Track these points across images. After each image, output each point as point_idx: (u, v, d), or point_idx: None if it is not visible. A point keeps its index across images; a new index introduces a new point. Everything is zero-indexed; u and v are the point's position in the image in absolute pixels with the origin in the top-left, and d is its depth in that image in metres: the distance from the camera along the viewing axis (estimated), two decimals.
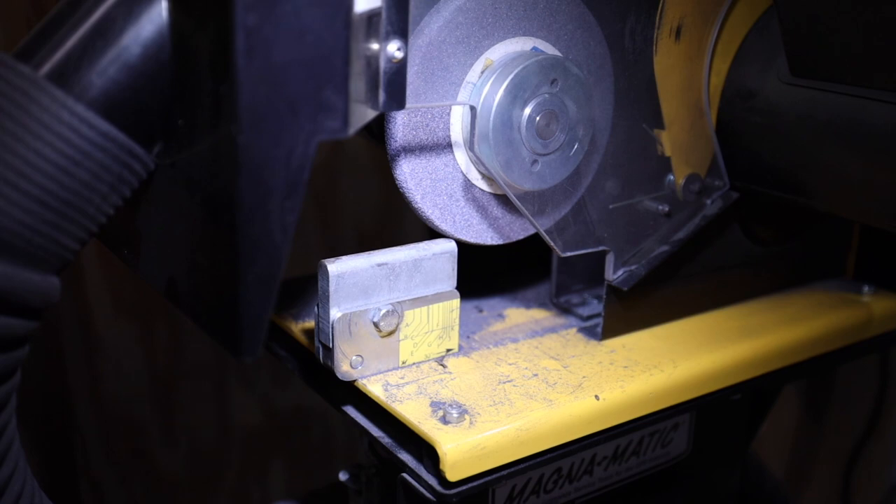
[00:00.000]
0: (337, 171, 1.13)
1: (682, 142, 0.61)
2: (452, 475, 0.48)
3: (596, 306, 0.64)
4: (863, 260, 0.74)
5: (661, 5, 0.57)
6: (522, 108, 0.51)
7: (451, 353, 0.57)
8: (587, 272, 0.67)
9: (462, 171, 0.54)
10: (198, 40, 0.40)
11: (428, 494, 0.49)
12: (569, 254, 0.58)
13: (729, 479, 0.74)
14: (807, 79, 0.58)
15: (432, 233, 0.56)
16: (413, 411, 0.50)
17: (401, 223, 1.18)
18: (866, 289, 0.70)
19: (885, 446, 1.06)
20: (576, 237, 0.58)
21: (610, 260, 0.59)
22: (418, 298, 0.53)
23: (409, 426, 0.50)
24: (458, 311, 0.56)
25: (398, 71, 0.44)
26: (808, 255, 0.72)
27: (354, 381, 0.53)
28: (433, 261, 0.54)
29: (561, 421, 0.52)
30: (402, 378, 0.54)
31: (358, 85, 0.42)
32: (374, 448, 0.62)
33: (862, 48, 0.55)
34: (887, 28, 0.53)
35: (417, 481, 0.50)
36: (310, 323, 0.60)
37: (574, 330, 0.62)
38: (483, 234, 0.56)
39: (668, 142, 0.60)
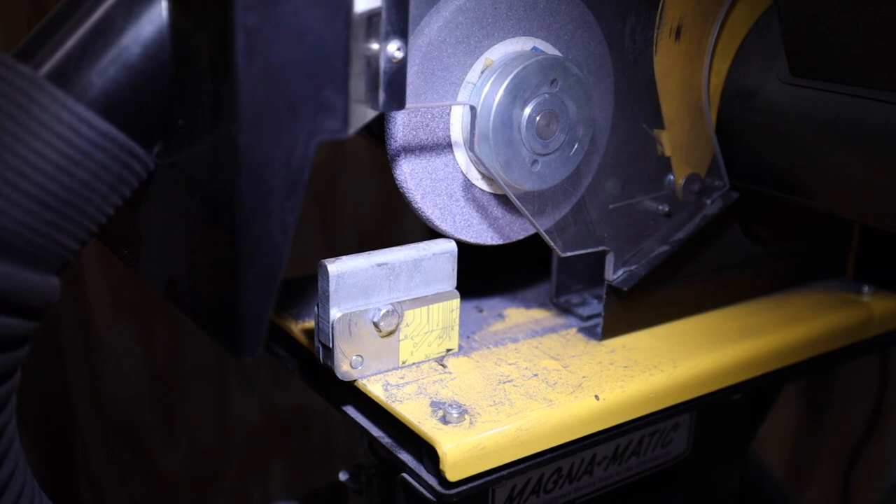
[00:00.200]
0: (337, 171, 1.13)
1: (682, 142, 0.61)
2: (452, 475, 0.48)
3: (596, 306, 0.64)
4: (863, 260, 0.74)
5: (661, 5, 0.57)
6: (522, 108, 0.51)
7: (451, 353, 0.57)
8: (587, 272, 0.67)
9: (462, 171, 0.54)
10: (198, 40, 0.40)
11: (428, 494, 0.49)
12: (569, 254, 0.58)
13: (729, 479, 0.74)
14: (807, 79, 0.58)
15: (432, 233, 0.56)
16: (413, 411, 0.50)
17: (401, 223, 1.18)
18: (866, 289, 0.70)
19: (885, 446, 1.06)
20: (576, 237, 0.58)
21: (610, 260, 0.59)
22: (418, 298, 0.54)
23: (409, 426, 0.50)
24: (458, 311, 0.56)
25: (398, 71, 0.44)
26: (808, 255, 0.72)
27: (354, 381, 0.53)
28: (433, 261, 0.54)
29: (561, 421, 0.52)
30: (402, 378, 0.54)
31: (358, 85, 0.42)
32: (374, 448, 0.62)
33: (862, 48, 0.55)
34: (887, 28, 0.53)
35: (417, 481, 0.50)
36: (310, 323, 0.60)
37: (574, 330, 0.62)
38: (483, 234, 0.56)
39: (668, 142, 0.60)
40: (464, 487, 0.49)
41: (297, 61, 0.38)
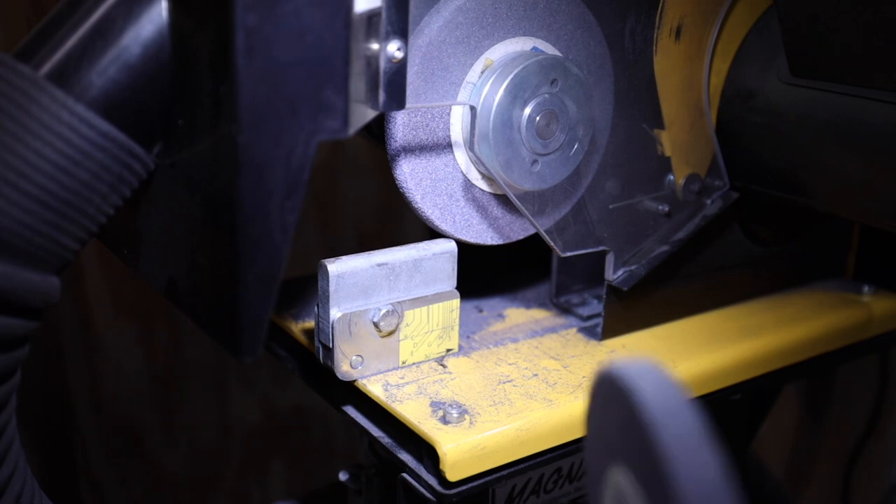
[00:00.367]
0: (337, 171, 1.13)
1: (682, 142, 0.61)
2: (452, 475, 0.48)
3: (596, 306, 0.64)
4: (863, 260, 0.74)
5: (661, 5, 0.57)
6: (522, 108, 0.51)
7: (451, 353, 0.57)
8: (587, 272, 0.67)
9: (462, 171, 0.54)
10: (198, 40, 0.40)
11: (428, 494, 0.49)
12: (569, 254, 0.58)
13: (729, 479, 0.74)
14: (807, 79, 0.58)
15: (432, 233, 0.56)
16: (413, 411, 0.50)
17: (401, 223, 1.18)
18: (866, 289, 0.70)
19: (885, 446, 1.06)
20: (576, 237, 0.58)
21: (610, 260, 0.59)
22: (418, 298, 0.53)
23: (409, 426, 0.50)
24: (458, 311, 0.56)
25: (398, 71, 0.44)
26: (808, 255, 0.72)
27: (354, 381, 0.53)
28: (433, 261, 0.54)
29: (561, 421, 0.52)
30: (402, 378, 0.54)
31: (358, 85, 0.42)
32: (374, 448, 0.62)
33: (862, 48, 0.55)
34: (887, 28, 0.53)
35: (417, 481, 0.50)
36: (310, 323, 0.60)
37: (574, 330, 0.62)
38: (483, 234, 0.56)
39: (668, 142, 0.60)
40: (464, 487, 0.49)
41: (297, 61, 0.38)
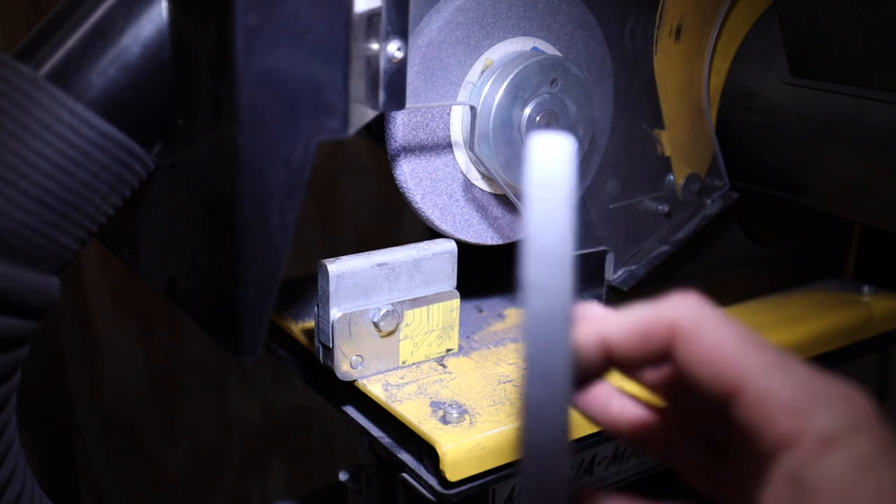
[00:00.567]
0: (337, 171, 1.13)
1: (682, 142, 0.61)
2: (452, 475, 0.48)
3: None
4: (863, 260, 0.74)
5: (661, 5, 0.57)
6: (522, 108, 0.51)
7: (451, 353, 0.56)
8: (587, 272, 0.67)
9: (462, 171, 0.54)
10: (198, 40, 0.40)
11: (428, 494, 0.49)
12: None
13: None
14: (807, 79, 0.58)
15: (432, 233, 0.56)
16: (413, 411, 0.50)
17: (401, 223, 1.18)
18: (866, 289, 0.70)
19: None
20: (576, 237, 0.58)
21: (610, 260, 0.59)
22: (418, 298, 0.53)
23: (409, 426, 0.50)
24: (458, 311, 0.56)
25: (398, 71, 0.44)
26: (808, 255, 0.72)
27: (354, 381, 0.53)
28: (433, 261, 0.54)
29: None
30: (402, 378, 0.54)
31: (358, 85, 0.42)
32: (374, 448, 0.62)
33: (862, 48, 0.55)
34: (887, 28, 0.53)
35: (417, 481, 0.50)
36: (310, 323, 0.60)
37: None
38: (483, 234, 0.56)
39: (668, 142, 0.60)
40: (464, 487, 0.49)
41: (297, 61, 0.38)
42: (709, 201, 0.62)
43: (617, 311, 0.35)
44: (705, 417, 0.34)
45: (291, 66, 0.38)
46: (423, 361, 0.55)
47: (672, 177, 0.61)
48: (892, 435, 0.30)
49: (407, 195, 0.53)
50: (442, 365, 0.56)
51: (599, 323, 0.34)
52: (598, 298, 0.65)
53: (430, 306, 0.54)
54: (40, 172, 0.38)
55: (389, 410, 0.51)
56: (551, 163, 0.34)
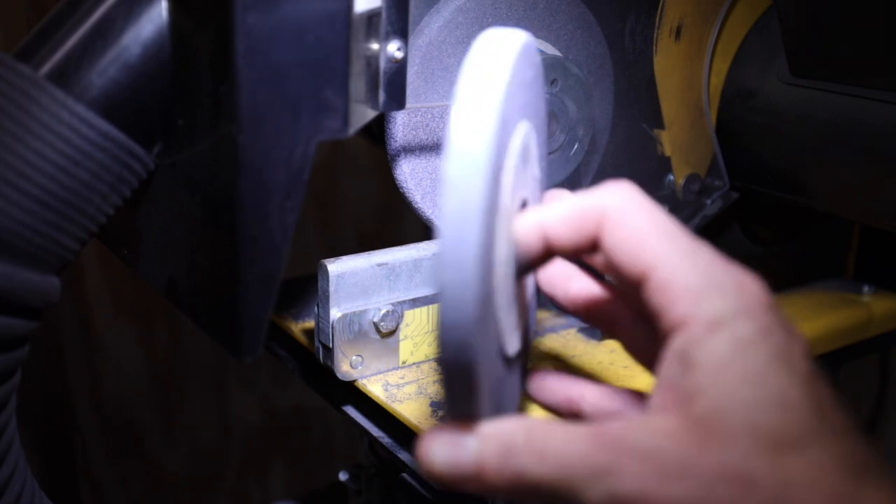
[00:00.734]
0: (337, 171, 1.13)
1: (682, 142, 0.61)
2: None
3: None
4: (863, 260, 0.74)
5: (661, 5, 0.57)
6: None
7: None
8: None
9: None
10: (198, 40, 0.40)
11: (428, 494, 0.49)
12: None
13: None
14: (807, 79, 0.58)
15: (432, 233, 0.56)
16: (413, 411, 0.50)
17: (401, 223, 1.18)
18: (866, 289, 0.70)
19: (885, 446, 1.06)
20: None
21: None
22: (418, 298, 0.53)
23: (409, 426, 0.50)
24: None
25: (398, 71, 0.44)
26: (808, 255, 0.72)
27: (354, 381, 0.53)
28: (433, 261, 0.54)
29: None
30: (402, 378, 0.54)
31: (358, 85, 0.42)
32: (374, 448, 0.62)
33: (862, 48, 0.55)
34: (887, 28, 0.53)
35: (417, 481, 0.50)
36: (310, 323, 0.60)
37: (574, 330, 0.62)
38: None
39: (668, 142, 0.60)
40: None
41: (297, 61, 0.38)
42: (709, 201, 0.62)
43: (555, 200, 0.37)
44: (637, 298, 0.36)
45: (291, 67, 0.38)
46: (423, 361, 0.55)
47: (672, 177, 0.61)
48: (775, 321, 0.34)
49: (407, 195, 0.53)
50: None
51: (538, 211, 0.36)
52: None
53: (430, 306, 0.54)
54: (40, 172, 0.38)
55: (389, 410, 0.51)
56: (489, 57, 0.33)
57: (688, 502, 0.31)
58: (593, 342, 0.60)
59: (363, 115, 0.44)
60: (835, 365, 0.69)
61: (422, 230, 0.94)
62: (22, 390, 0.43)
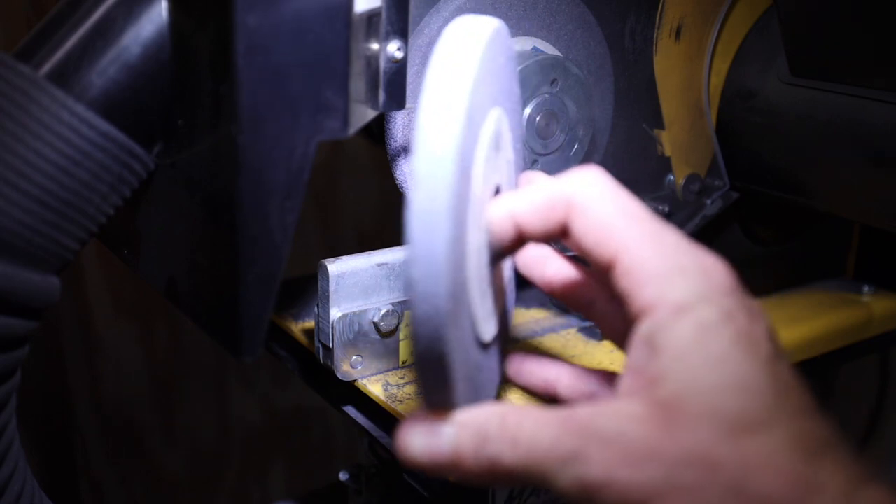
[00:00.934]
0: (337, 171, 1.13)
1: (682, 142, 0.61)
2: None
3: None
4: (863, 260, 0.74)
5: (661, 5, 0.57)
6: (522, 108, 0.51)
7: None
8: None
9: None
10: (198, 40, 0.40)
11: (428, 494, 0.49)
12: (569, 254, 0.58)
13: None
14: (807, 79, 0.58)
15: None
16: (413, 411, 0.50)
17: (401, 223, 1.18)
18: (866, 289, 0.70)
19: (885, 446, 1.06)
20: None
21: None
22: None
23: None
24: None
25: (398, 71, 0.44)
26: (808, 255, 0.72)
27: (354, 381, 0.53)
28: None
29: None
30: (402, 378, 0.54)
31: (358, 85, 0.42)
32: (374, 448, 0.62)
33: (861, 48, 0.55)
34: (887, 28, 0.53)
35: (417, 481, 0.50)
36: (310, 323, 0.60)
37: (574, 330, 0.62)
38: None
39: (668, 142, 0.60)
40: (464, 487, 0.49)
41: (297, 61, 0.38)
42: (709, 201, 0.62)
43: (528, 185, 0.38)
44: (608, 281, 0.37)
45: (291, 66, 0.38)
46: None
47: (672, 177, 0.61)
48: (737, 304, 0.34)
49: (407, 195, 0.53)
50: None
51: (509, 199, 0.36)
52: None
53: None
54: (40, 172, 0.38)
55: (389, 410, 0.51)
56: (455, 51, 0.34)
57: (652, 486, 0.31)
58: (593, 342, 0.60)
59: (363, 115, 0.44)
60: (835, 365, 0.69)
61: None
62: (22, 390, 0.43)
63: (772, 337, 0.34)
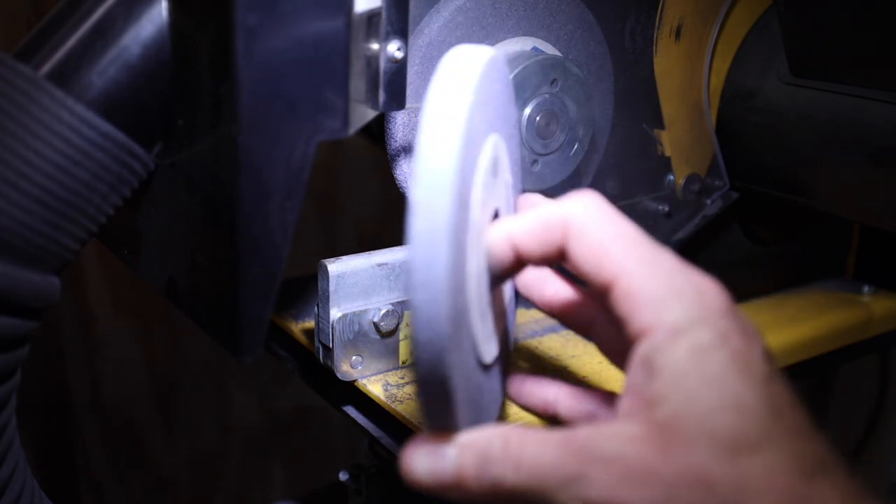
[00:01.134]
0: (337, 171, 1.13)
1: (682, 142, 0.61)
2: None
3: None
4: (863, 260, 0.74)
5: (661, 5, 0.57)
6: (522, 108, 0.51)
7: None
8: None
9: None
10: (198, 40, 0.40)
11: (428, 495, 0.49)
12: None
13: None
14: (807, 79, 0.58)
15: None
16: (413, 411, 0.50)
17: (401, 223, 1.17)
18: (866, 289, 0.70)
19: (886, 446, 1.06)
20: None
21: None
22: None
23: (409, 426, 0.50)
24: None
25: (398, 71, 0.44)
26: (808, 255, 0.72)
27: (354, 381, 0.53)
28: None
29: None
30: (402, 378, 0.54)
31: (358, 85, 0.42)
32: (374, 448, 0.62)
33: (861, 48, 0.55)
34: (887, 28, 0.53)
35: None
36: (310, 323, 0.60)
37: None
38: None
39: (668, 142, 0.60)
40: None
41: (297, 61, 0.38)
42: (709, 201, 0.62)
43: (526, 209, 0.39)
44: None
45: (291, 66, 0.38)
46: None
47: (672, 177, 0.61)
48: (733, 326, 0.34)
49: (407, 195, 0.53)
50: None
51: (508, 223, 0.37)
52: None
53: None
54: (40, 172, 0.38)
55: (389, 410, 0.51)
56: (455, 74, 0.35)
57: None
58: (593, 342, 0.60)
59: (363, 115, 0.44)
60: (835, 365, 0.69)
61: None
62: (22, 390, 0.43)
63: (767, 357, 0.35)
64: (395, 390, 0.52)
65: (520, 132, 0.52)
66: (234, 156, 0.38)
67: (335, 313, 0.51)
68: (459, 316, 0.34)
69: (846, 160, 0.57)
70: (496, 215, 0.40)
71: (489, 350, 0.40)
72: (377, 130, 0.52)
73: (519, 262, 0.38)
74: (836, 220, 0.72)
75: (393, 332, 0.53)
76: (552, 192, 0.56)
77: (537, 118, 0.52)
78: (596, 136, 0.57)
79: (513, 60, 0.51)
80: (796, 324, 0.65)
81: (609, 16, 0.55)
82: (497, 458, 0.34)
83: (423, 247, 0.33)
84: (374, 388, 0.52)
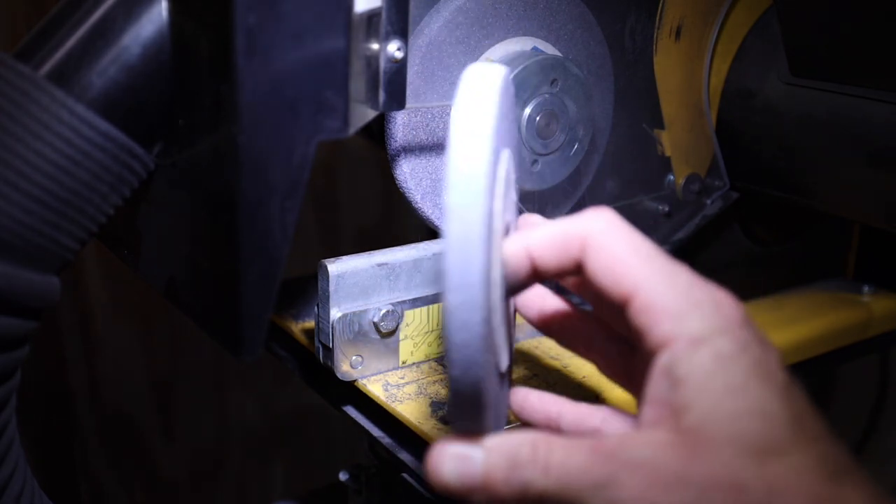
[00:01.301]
0: (337, 171, 1.13)
1: (682, 142, 0.61)
2: None
3: None
4: (863, 260, 0.74)
5: (661, 5, 0.57)
6: (522, 108, 0.51)
7: None
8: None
9: None
10: (198, 40, 0.40)
11: (428, 494, 0.49)
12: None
13: None
14: (807, 79, 0.58)
15: (432, 233, 0.56)
16: (413, 411, 0.50)
17: (401, 223, 1.18)
18: (866, 289, 0.70)
19: (886, 446, 1.06)
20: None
21: None
22: (418, 298, 0.53)
23: (409, 426, 0.50)
24: None
25: (398, 71, 0.44)
26: (808, 255, 0.72)
27: (354, 381, 0.53)
28: (433, 261, 0.54)
29: None
30: (402, 378, 0.54)
31: (358, 85, 0.42)
32: (374, 448, 0.62)
33: (862, 48, 0.55)
34: (887, 28, 0.53)
35: (417, 481, 0.50)
36: (310, 323, 0.60)
37: None
38: None
39: (668, 142, 0.60)
40: None
41: (297, 61, 0.38)
42: (709, 201, 0.62)
43: (542, 224, 0.40)
44: (615, 319, 0.39)
45: (291, 66, 0.38)
46: (423, 361, 0.55)
47: (672, 177, 0.61)
48: (751, 336, 0.35)
49: (407, 195, 0.53)
50: (442, 365, 0.56)
51: (525, 236, 0.38)
52: None
53: (430, 306, 0.54)
54: (40, 172, 0.38)
55: (389, 410, 0.51)
56: (479, 90, 0.36)
57: None
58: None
59: (363, 115, 0.44)
60: (835, 365, 0.69)
61: (422, 230, 0.94)
62: (22, 390, 0.43)
63: (783, 366, 0.36)
64: (394, 390, 0.52)
65: (520, 138, 0.52)
66: (234, 156, 0.38)
67: (335, 313, 0.51)
68: (489, 319, 0.35)
69: (846, 160, 0.57)
70: (507, 230, 0.40)
71: (504, 359, 0.41)
72: (377, 130, 0.52)
73: (535, 274, 0.38)
74: (836, 220, 0.72)
75: (393, 332, 0.53)
76: (552, 192, 0.56)
77: (537, 118, 0.52)
78: (596, 136, 0.57)
79: (513, 60, 0.51)
80: (796, 324, 0.65)
81: (609, 16, 0.55)
82: (525, 462, 0.35)
83: (460, 249, 0.33)
84: (374, 388, 0.52)
